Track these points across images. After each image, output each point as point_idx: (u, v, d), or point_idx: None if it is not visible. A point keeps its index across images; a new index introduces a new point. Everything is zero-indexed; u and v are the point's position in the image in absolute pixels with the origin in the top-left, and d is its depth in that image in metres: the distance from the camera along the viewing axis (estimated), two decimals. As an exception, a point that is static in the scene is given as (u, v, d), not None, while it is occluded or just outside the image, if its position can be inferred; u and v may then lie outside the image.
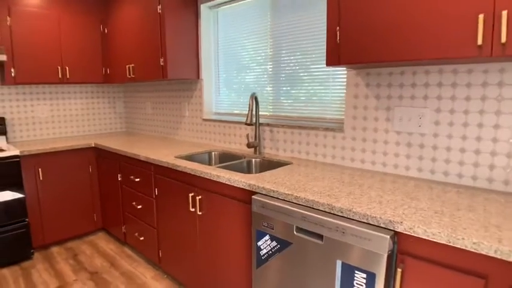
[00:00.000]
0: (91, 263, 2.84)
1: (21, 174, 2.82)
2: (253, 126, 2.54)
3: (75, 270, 2.74)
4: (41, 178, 2.95)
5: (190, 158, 2.54)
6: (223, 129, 2.80)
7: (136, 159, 2.61)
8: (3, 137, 3.18)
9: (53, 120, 3.56)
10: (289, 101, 2.39)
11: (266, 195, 1.58)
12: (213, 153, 2.68)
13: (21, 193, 2.81)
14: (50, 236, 3.07)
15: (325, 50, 2.13)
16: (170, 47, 2.69)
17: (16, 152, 2.76)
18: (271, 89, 2.50)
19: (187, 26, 2.81)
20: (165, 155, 2.46)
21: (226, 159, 2.61)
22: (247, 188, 1.67)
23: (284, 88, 2.41)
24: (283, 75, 2.40)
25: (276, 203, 1.49)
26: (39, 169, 2.94)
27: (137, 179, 2.64)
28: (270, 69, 2.48)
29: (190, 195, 2.08)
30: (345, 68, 2.01)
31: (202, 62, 2.91)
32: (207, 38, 2.92)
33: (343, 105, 2.08)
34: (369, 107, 1.89)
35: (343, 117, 2.10)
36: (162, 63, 2.72)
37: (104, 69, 3.53)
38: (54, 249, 3.10)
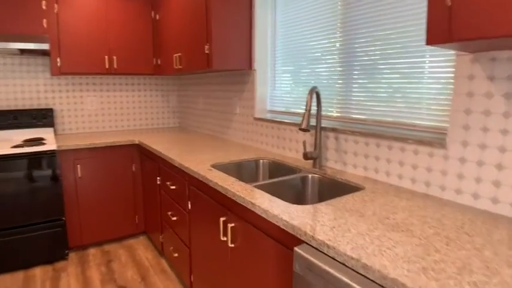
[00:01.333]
0: (122, 274, 2.53)
1: (59, 170, 2.61)
2: (313, 131, 1.96)
3: (103, 280, 2.45)
4: (79, 175, 2.73)
5: (231, 167, 2.05)
6: (278, 131, 2.26)
7: (171, 164, 2.21)
8: (51, 129, 3.05)
9: (102, 112, 3.37)
10: (364, 98, 1.76)
11: (317, 249, 1.00)
12: (261, 161, 2.16)
13: (58, 190, 2.61)
14: (87, 237, 2.85)
15: (416, 29, 1.46)
16: (217, 31, 2.23)
17: (53, 147, 2.56)
18: (339, 83, 1.89)
19: (238, 7, 2.32)
20: (201, 162, 2.01)
21: (277, 171, 2.07)
22: (289, 231, 1.12)
23: (356, 82, 1.78)
24: (356, 65, 1.77)
25: (331, 270, 0.91)
26: (78, 165, 2.71)
27: (173, 187, 2.24)
28: (339, 59, 1.87)
29: (222, 219, 1.58)
30: (453, 51, 1.33)
31: (256, 49, 2.40)
32: (263, 21, 2.39)
33: (446, 108, 1.40)
34: (493, 112, 1.19)
35: (445, 125, 1.41)
36: (207, 51, 2.27)
37: (155, 60, 3.22)
38: (91, 251, 2.88)
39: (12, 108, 2.97)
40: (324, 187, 1.75)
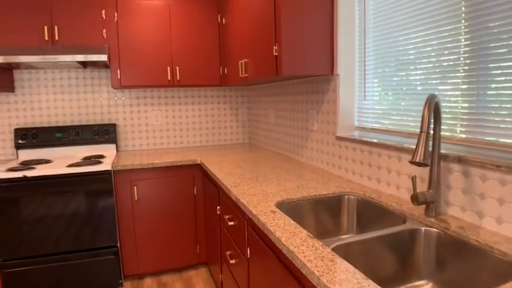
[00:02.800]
0: (175, 320, 2.16)
1: (114, 192, 2.37)
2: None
3: (154, 326, 2.10)
4: (136, 197, 2.46)
5: (304, 206, 1.52)
6: (369, 156, 1.67)
7: (229, 195, 1.77)
8: (113, 146, 2.88)
9: (167, 128, 3.12)
10: (507, 112, 1.10)
11: None
12: (346, 198, 1.59)
13: (112, 214, 2.37)
14: (144, 266, 2.56)
15: None
16: (288, 28, 1.74)
17: (107, 167, 2.32)
18: (463, 89, 1.25)
19: (319, -8, 1.81)
20: (265, 196, 1.52)
21: (369, 216, 1.48)
22: None
23: (493, 88, 1.13)
24: (493, 67, 1.12)
25: None
26: (135, 187, 2.45)
27: (231, 223, 1.79)
28: (464, 58, 1.23)
29: (287, 295, 1.07)
30: None
31: (340, 48, 1.85)
32: (348, 11, 1.84)
33: None
34: None
35: None
36: (275, 53, 1.80)
37: (222, 69, 2.87)
38: (147, 281, 2.58)
39: (76, 123, 2.87)
40: (447, 251, 1.11)
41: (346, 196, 1.58)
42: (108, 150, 2.87)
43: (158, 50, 2.68)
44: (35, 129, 2.70)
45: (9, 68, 2.62)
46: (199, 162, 2.55)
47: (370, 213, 1.48)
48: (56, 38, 2.42)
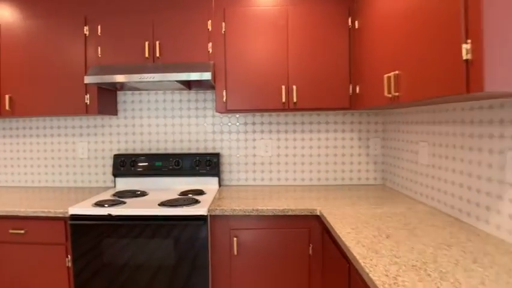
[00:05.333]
0: None
1: (208, 243, 1.87)
2: None
3: None
4: (235, 251, 1.91)
5: None
6: None
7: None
8: (215, 179, 2.43)
9: (278, 160, 2.55)
10: None
11: None
12: None
13: (204, 271, 1.86)
14: None
15: None
16: (491, 12, 0.96)
17: (202, 211, 1.84)
18: None
19: None
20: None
21: None
22: None
23: None
24: None
25: None
26: (235, 238, 1.90)
27: None
28: None
29: None
30: None
31: None
32: None
33: None
34: None
35: None
36: (466, 56, 1.02)
37: (352, 87, 2.17)
38: None
39: (177, 151, 2.53)
40: None
41: None
42: (209, 184, 2.43)
43: (272, 65, 2.15)
44: (133, 156, 2.45)
45: (113, 89, 2.45)
46: (318, 214, 1.87)
47: None
48: (157, 54, 2.12)
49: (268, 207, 1.88)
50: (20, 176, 2.69)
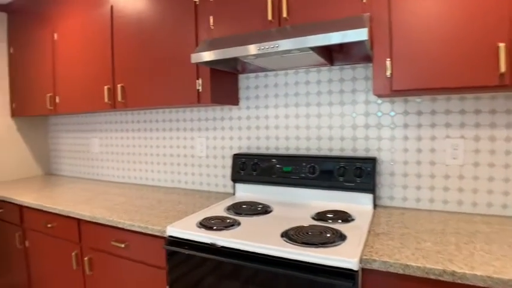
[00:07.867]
0: None
1: (357, 317, 1.12)
2: None
3: None
4: (404, 336, 1.10)
5: None
6: None
7: None
8: (369, 196, 1.64)
9: (476, 173, 1.56)
10: None
11: None
12: None
13: None
14: None
15: None
16: None
17: (349, 262, 1.09)
18: None
19: None
20: None
21: None
22: None
23: None
24: None
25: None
26: (404, 313, 1.09)
27: None
28: None
29: None
30: None
31: None
32: None
33: None
34: None
35: None
36: None
37: None
38: None
39: (311, 152, 1.84)
40: None
41: None
42: (358, 203, 1.66)
43: (466, 18, 1.20)
44: (256, 158, 1.88)
45: (233, 72, 1.91)
46: None
47: None
48: (284, 14, 1.45)
49: (478, 273, 0.99)
50: (133, 172, 2.52)
